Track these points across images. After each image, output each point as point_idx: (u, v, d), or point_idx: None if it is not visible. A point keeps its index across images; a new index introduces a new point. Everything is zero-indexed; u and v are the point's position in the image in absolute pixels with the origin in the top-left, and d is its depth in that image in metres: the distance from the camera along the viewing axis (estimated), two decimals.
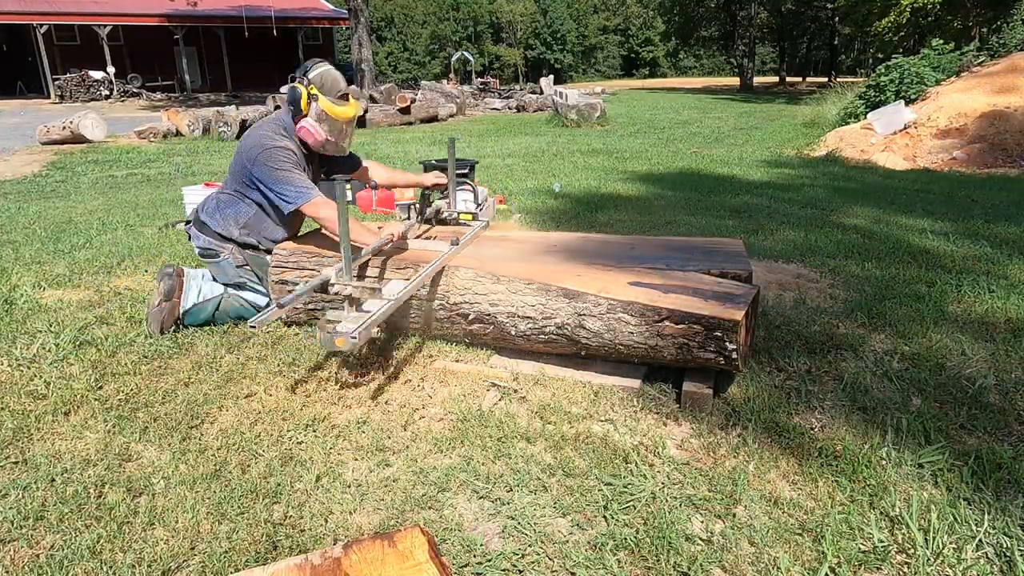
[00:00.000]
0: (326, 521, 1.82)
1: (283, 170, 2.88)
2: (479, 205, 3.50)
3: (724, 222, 5.06)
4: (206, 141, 12.26)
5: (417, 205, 3.53)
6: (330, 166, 3.36)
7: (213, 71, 28.12)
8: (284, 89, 3.11)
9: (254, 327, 2.27)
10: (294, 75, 2.91)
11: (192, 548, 1.72)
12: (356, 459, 2.10)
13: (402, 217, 5.53)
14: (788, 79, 38.11)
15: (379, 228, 2.99)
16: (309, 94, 2.86)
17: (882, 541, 1.71)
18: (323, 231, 3.09)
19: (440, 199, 3.56)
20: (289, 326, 3.11)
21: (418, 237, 3.20)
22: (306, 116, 2.91)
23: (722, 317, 2.27)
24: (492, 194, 6.17)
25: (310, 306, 3.01)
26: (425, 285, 2.73)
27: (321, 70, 2.90)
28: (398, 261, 2.86)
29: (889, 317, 3.12)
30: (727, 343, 2.27)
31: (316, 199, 2.89)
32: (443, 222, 3.50)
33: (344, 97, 2.93)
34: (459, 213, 3.47)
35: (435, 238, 3.19)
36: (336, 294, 2.51)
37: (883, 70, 11.37)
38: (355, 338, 2.20)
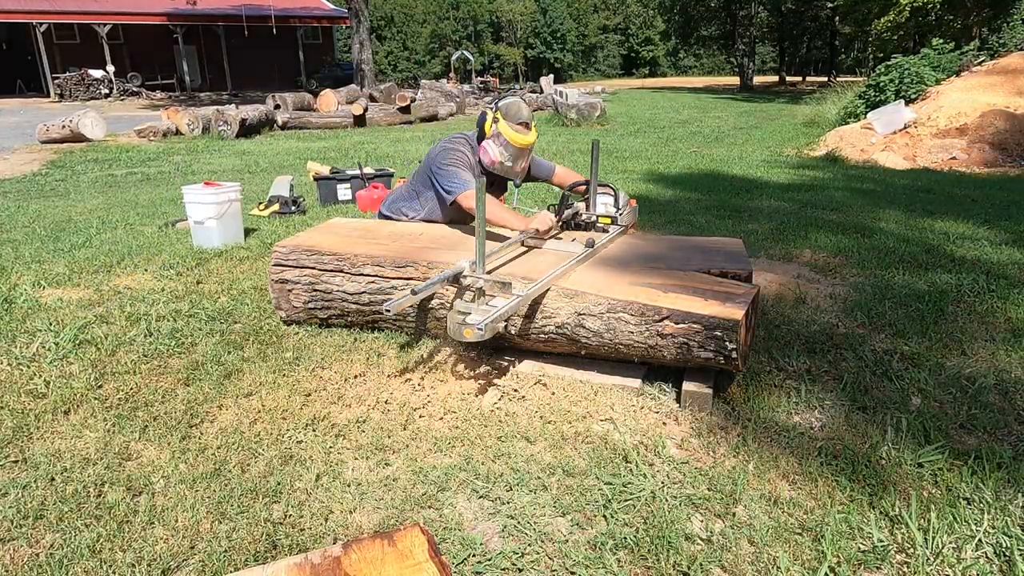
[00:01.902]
0: (326, 520, 1.82)
1: (451, 166, 3.21)
2: (619, 209, 3.38)
3: (724, 221, 5.06)
4: (206, 140, 12.25)
5: (556, 206, 3.40)
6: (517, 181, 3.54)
7: (213, 70, 28.11)
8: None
9: (388, 310, 2.29)
10: (489, 105, 3.30)
11: (192, 547, 1.72)
12: (356, 458, 2.10)
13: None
14: (788, 78, 38.08)
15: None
16: (494, 118, 3.21)
17: (882, 540, 1.72)
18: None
19: (579, 201, 3.42)
20: (289, 324, 3.11)
21: (551, 238, 3.10)
22: (488, 138, 3.24)
23: (722, 317, 2.27)
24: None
25: (310, 305, 3.01)
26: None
27: (510, 100, 3.29)
28: (526, 261, 2.79)
29: (889, 317, 3.12)
30: (727, 343, 2.26)
31: (469, 191, 3.10)
32: (579, 226, 3.34)
33: (524, 125, 3.23)
34: (598, 216, 3.33)
35: (569, 240, 3.07)
36: (467, 287, 2.47)
37: (883, 70, 11.37)
38: (482, 330, 2.20)
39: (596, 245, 2.94)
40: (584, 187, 3.42)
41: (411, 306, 2.74)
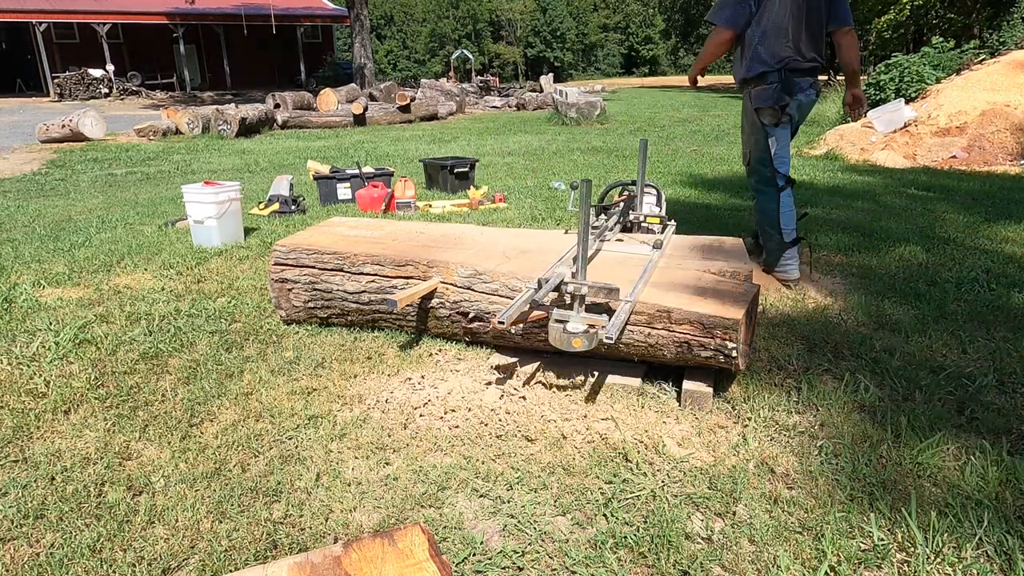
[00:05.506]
0: (326, 519, 1.82)
1: None
2: (661, 208, 3.33)
3: (723, 220, 5.05)
4: (206, 139, 12.25)
5: (598, 208, 3.34)
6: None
7: (213, 69, 28.11)
8: None
9: (502, 323, 2.23)
10: None
11: (192, 546, 1.72)
12: (356, 458, 2.10)
13: (404, 216, 5.52)
14: None
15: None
16: None
17: (882, 539, 1.71)
18: None
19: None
20: (289, 324, 3.10)
21: (607, 240, 3.05)
22: None
23: (722, 316, 2.27)
24: (493, 191, 6.17)
25: (310, 305, 3.01)
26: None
27: None
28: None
29: (889, 315, 3.12)
30: (727, 342, 2.26)
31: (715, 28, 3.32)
32: (625, 227, 3.30)
33: None
34: (646, 216, 3.29)
35: (621, 241, 3.02)
36: (570, 293, 2.38)
37: (883, 68, 11.35)
38: (611, 339, 2.15)
39: (663, 246, 2.86)
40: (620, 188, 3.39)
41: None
